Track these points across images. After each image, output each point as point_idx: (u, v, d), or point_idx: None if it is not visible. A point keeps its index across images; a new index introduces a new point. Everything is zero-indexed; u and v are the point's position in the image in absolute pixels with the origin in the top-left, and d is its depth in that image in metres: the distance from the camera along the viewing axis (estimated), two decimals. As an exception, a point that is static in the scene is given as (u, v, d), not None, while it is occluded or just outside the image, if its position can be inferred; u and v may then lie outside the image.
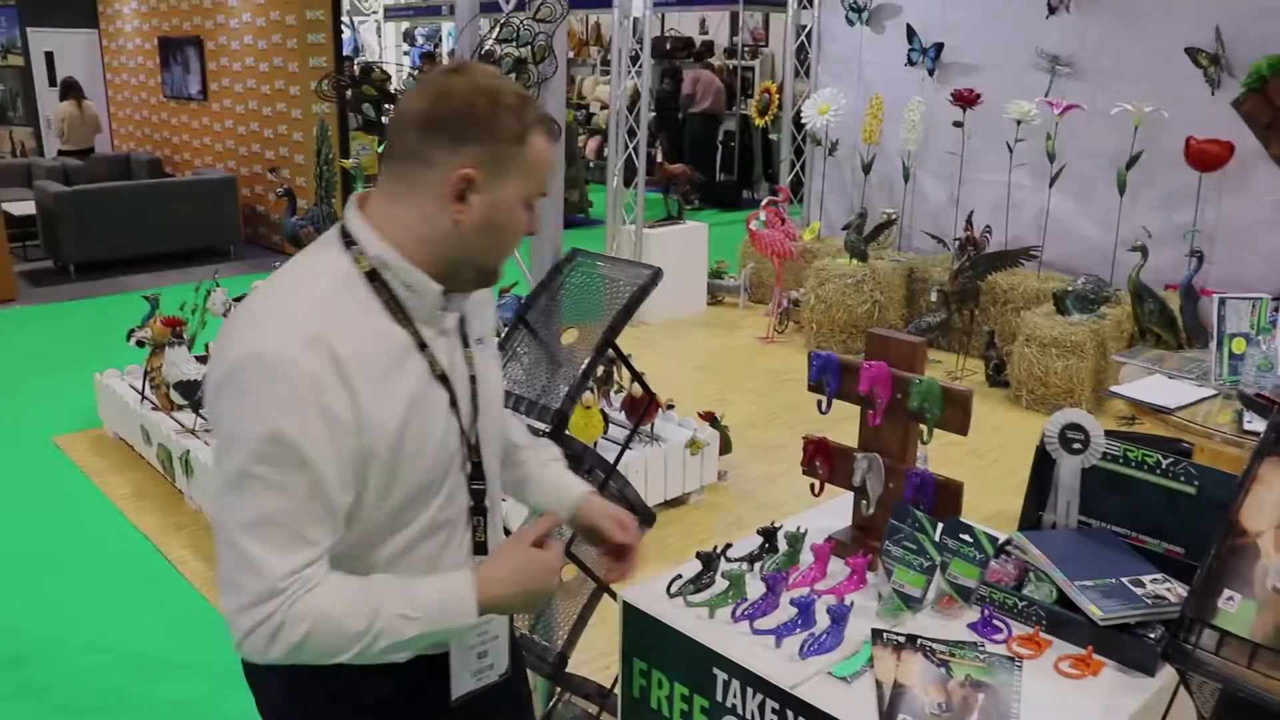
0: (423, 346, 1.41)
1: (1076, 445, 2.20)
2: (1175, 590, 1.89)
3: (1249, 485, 1.39)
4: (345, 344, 1.30)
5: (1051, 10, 6.61)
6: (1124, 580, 1.94)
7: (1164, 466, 2.07)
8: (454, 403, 1.45)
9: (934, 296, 6.57)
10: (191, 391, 4.52)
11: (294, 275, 1.40)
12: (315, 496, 1.30)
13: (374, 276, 1.38)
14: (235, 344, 1.30)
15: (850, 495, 2.33)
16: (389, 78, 2.47)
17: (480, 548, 1.54)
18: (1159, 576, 1.96)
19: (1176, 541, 2.05)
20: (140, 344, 4.78)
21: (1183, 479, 2.04)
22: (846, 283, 6.87)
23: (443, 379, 1.43)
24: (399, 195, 1.38)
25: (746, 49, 13.91)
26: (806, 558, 2.19)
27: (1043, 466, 2.27)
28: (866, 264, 6.94)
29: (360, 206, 1.43)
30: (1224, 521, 1.37)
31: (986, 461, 5.02)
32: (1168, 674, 1.74)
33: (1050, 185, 6.55)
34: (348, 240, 1.40)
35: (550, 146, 1.41)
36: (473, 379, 1.50)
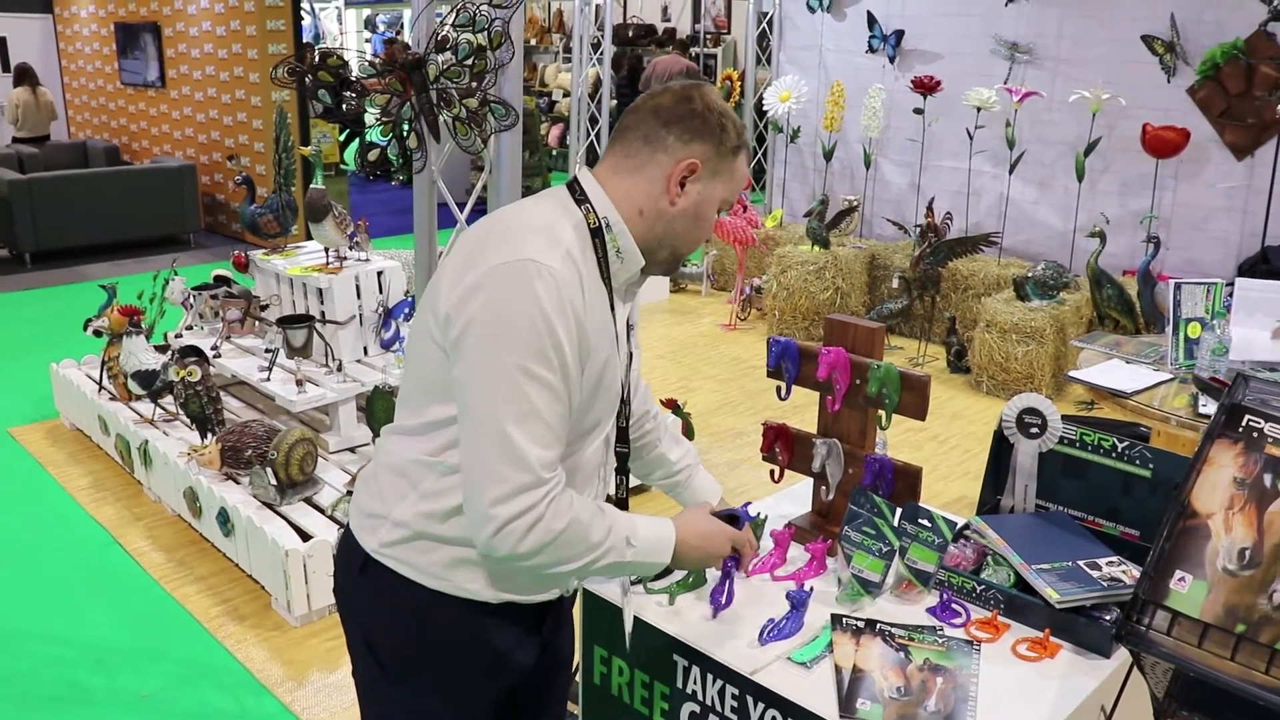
0: (612, 306, 1.59)
1: (1034, 429, 2.21)
2: (1130, 573, 1.91)
3: (1200, 467, 1.39)
4: (588, 271, 1.50)
5: (1010, -2, 6.64)
6: (1080, 563, 1.95)
7: (1119, 450, 2.08)
8: (627, 357, 1.69)
9: (895, 283, 6.59)
10: (150, 381, 4.45)
11: (536, 210, 1.56)
12: (566, 396, 1.46)
13: (597, 233, 1.56)
14: (495, 253, 1.44)
15: (810, 481, 2.33)
16: (346, 64, 2.42)
17: (622, 505, 1.73)
18: (1115, 559, 1.97)
19: (1132, 524, 2.07)
20: (98, 333, 4.70)
21: (1138, 462, 2.06)
22: (808, 270, 6.88)
23: (621, 338, 1.64)
24: (628, 171, 1.58)
25: (709, 36, 13.88)
26: (766, 544, 2.18)
27: (1000, 451, 2.28)
28: (828, 251, 6.95)
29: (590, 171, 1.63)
30: (1175, 503, 1.38)
31: (948, 447, 5.05)
32: (1123, 655, 1.75)
33: (1010, 172, 6.59)
34: (578, 197, 1.59)
35: (746, 169, 1.66)
36: (630, 355, 1.72)
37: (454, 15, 2.54)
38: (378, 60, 2.39)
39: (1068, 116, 6.41)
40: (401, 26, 16.59)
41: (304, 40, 9.84)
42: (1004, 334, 5.75)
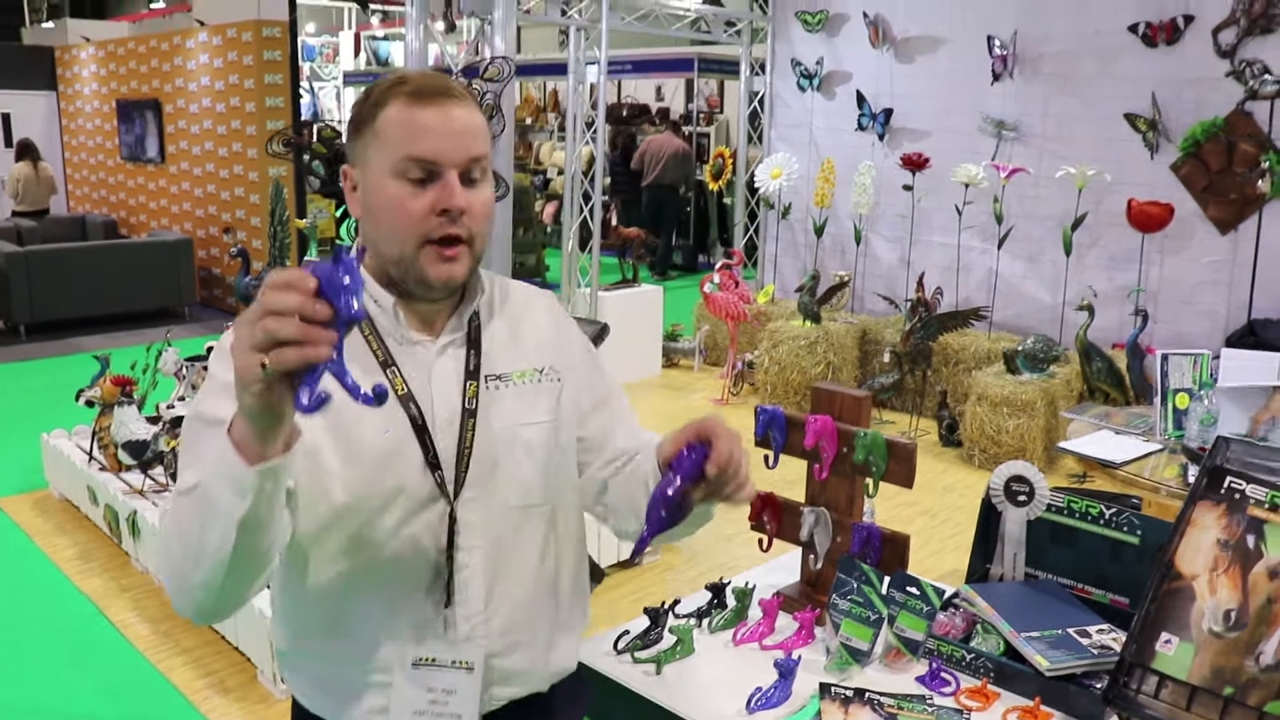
0: (386, 365, 1.39)
1: (1021, 497, 2.21)
2: (1120, 640, 1.90)
3: (1183, 529, 1.40)
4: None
5: (995, 77, 6.78)
6: (1070, 631, 1.94)
7: (1107, 517, 2.09)
8: (421, 429, 1.39)
9: (887, 357, 6.62)
10: (140, 451, 4.44)
11: None
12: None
13: None
14: None
15: (799, 550, 2.32)
16: (339, 135, 2.45)
17: (448, 595, 1.42)
18: (1105, 626, 1.96)
19: (1121, 591, 2.06)
20: (90, 404, 4.69)
21: (1125, 529, 2.06)
22: (800, 344, 6.92)
23: (407, 399, 1.39)
24: None
25: (702, 115, 14.12)
26: (755, 613, 2.17)
27: (989, 519, 2.28)
28: (820, 326, 6.99)
29: None
30: (1160, 564, 1.38)
31: (939, 521, 5.03)
32: (1113, 724, 1.74)
33: (999, 247, 6.66)
34: None
35: (412, 108, 1.32)
36: (469, 413, 1.41)
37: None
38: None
39: (1054, 192, 6.50)
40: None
41: (302, 118, 9.99)
42: (995, 407, 5.77)
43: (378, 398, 1.02)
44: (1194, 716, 1.26)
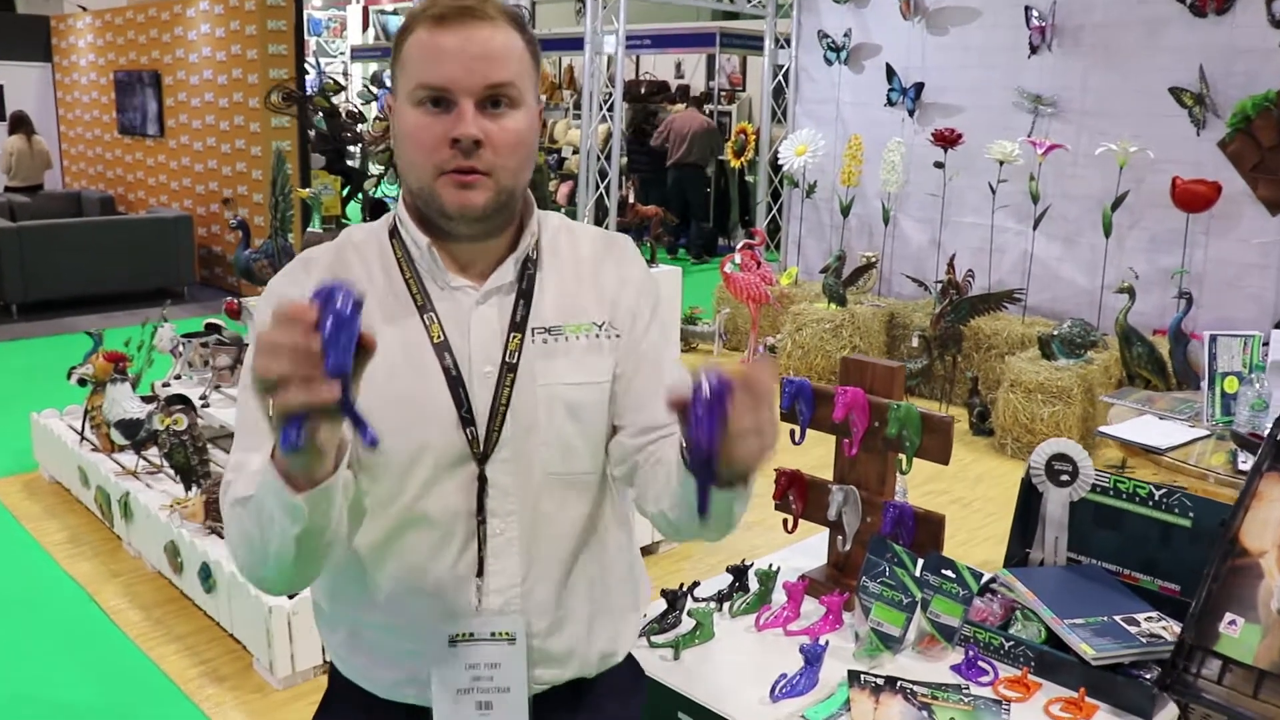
0: (424, 310, 1.36)
1: (1064, 477, 2.15)
2: (1171, 629, 1.83)
3: (1248, 502, 1.33)
4: (367, 275, 1.37)
5: (1033, 49, 6.68)
6: (1117, 618, 1.88)
7: (1157, 498, 2.02)
8: (456, 381, 1.34)
9: (915, 342, 6.55)
10: (134, 430, 4.41)
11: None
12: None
13: (394, 234, 1.40)
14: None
15: (825, 532, 2.27)
16: (343, 88, 2.40)
17: (480, 565, 1.37)
18: (1154, 614, 1.90)
19: (1172, 578, 2.00)
20: (82, 382, 4.66)
21: (1177, 511, 2.00)
22: (824, 328, 6.85)
23: (442, 348, 1.35)
24: None
25: (723, 93, 14.02)
26: (779, 597, 2.12)
27: (1029, 500, 2.22)
28: (845, 308, 6.92)
29: None
30: (1223, 540, 1.32)
31: (970, 511, 4.96)
32: (1167, 716, 1.67)
33: (1034, 227, 6.58)
34: None
35: (433, 32, 1.28)
36: (510, 368, 1.35)
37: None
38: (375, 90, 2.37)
39: (1094, 170, 6.40)
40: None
41: (307, 93, 9.94)
42: (1029, 394, 5.69)
43: (372, 443, 1.01)
44: (1261, 703, 1.20)
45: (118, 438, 4.50)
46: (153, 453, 4.50)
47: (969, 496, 5.14)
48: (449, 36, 1.28)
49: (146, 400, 4.78)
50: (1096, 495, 2.11)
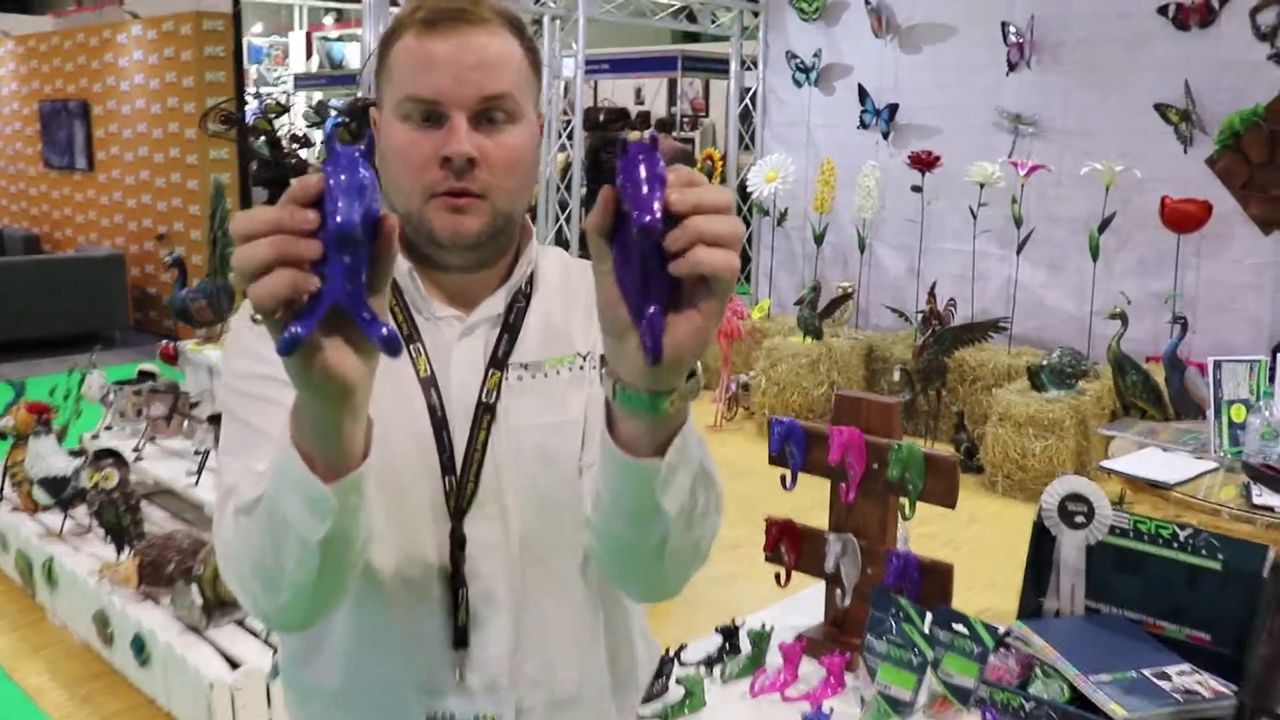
0: (410, 340, 1.27)
1: (1079, 519, 2.08)
2: (1208, 683, 1.76)
3: (1306, 546, 1.26)
4: None
5: (1011, 67, 6.72)
6: (1146, 673, 1.81)
7: (1181, 539, 1.95)
8: (440, 423, 1.25)
9: (896, 376, 6.51)
10: (59, 488, 4.26)
11: None
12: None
13: None
14: None
15: (822, 585, 2.18)
16: (287, 109, 2.34)
17: (461, 635, 1.26)
18: (1185, 667, 1.83)
19: (1201, 626, 1.93)
20: (1, 435, 4.51)
21: (1204, 552, 1.93)
22: (800, 363, 6.80)
23: (428, 383, 1.26)
24: None
25: (686, 119, 14.05)
26: (774, 660, 2.03)
27: (1041, 545, 2.15)
28: (822, 342, 6.88)
29: None
30: (1276, 589, 1.24)
31: (963, 554, 4.89)
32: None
33: (1018, 252, 6.57)
34: None
35: (421, 38, 1.21)
36: (486, 408, 1.26)
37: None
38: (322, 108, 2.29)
39: (1078, 191, 6.42)
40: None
41: (248, 122, 9.84)
42: (1019, 428, 5.66)
43: (387, 344, 0.85)
44: (1332, 774, 1.12)
45: (41, 496, 4.34)
46: (80, 512, 4.35)
47: (960, 539, 5.07)
48: (439, 43, 1.20)
49: (74, 454, 4.63)
50: (1115, 538, 2.04)
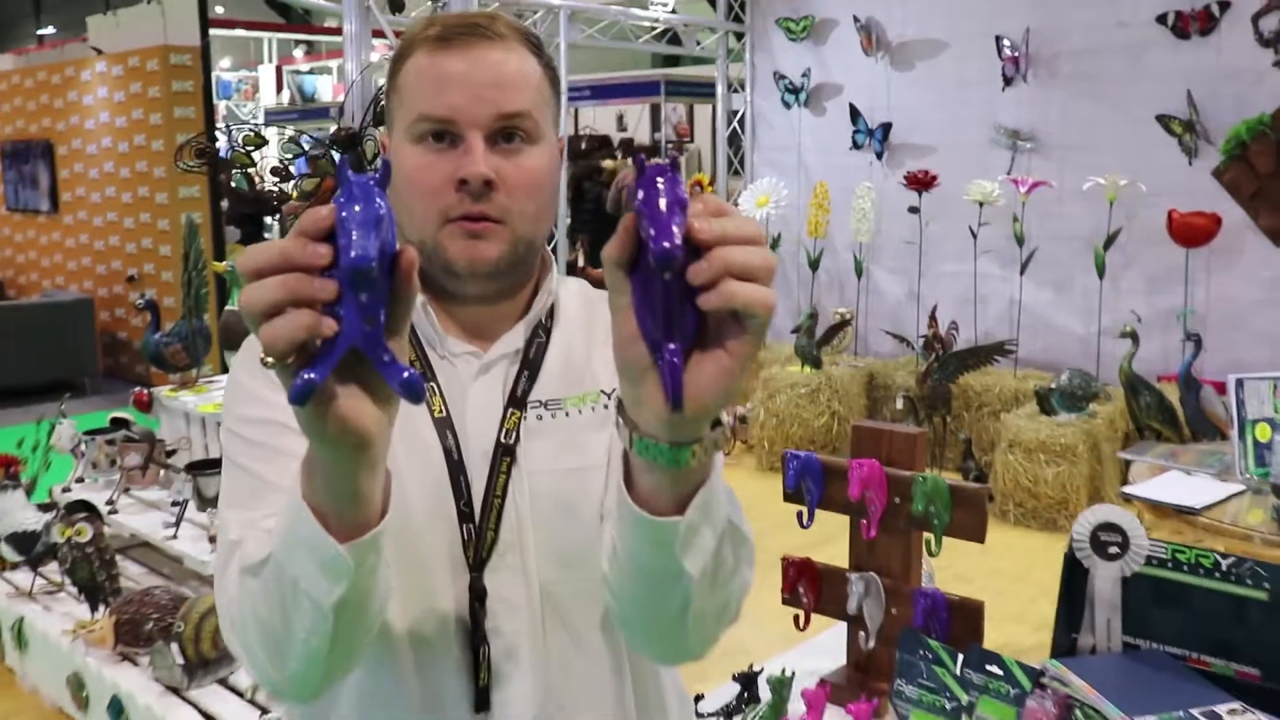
0: (423, 377, 1.21)
1: (1113, 550, 2.03)
2: (1261, 722, 1.71)
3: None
4: None
5: (1007, 82, 6.73)
6: (1195, 712, 1.76)
7: (1224, 568, 1.91)
8: (457, 467, 1.20)
9: (900, 404, 6.47)
10: (29, 545, 4.19)
11: None
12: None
13: None
14: None
15: (843, 627, 2.13)
16: (265, 142, 2.31)
17: (483, 696, 1.20)
18: (1236, 706, 1.78)
19: (1249, 660, 1.88)
20: (-34, 491, 4.44)
21: (1250, 582, 1.88)
22: (799, 393, 6.77)
23: (444, 424, 1.21)
24: None
25: (670, 145, 14.08)
26: (796, 707, 1.98)
27: (1073, 578, 2.09)
28: (821, 371, 6.85)
29: None
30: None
31: (976, 588, 4.79)
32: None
33: (1021, 272, 6.56)
34: None
35: (434, 56, 1.17)
36: (505, 450, 1.21)
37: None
38: (303, 138, 2.26)
39: (1081, 208, 6.41)
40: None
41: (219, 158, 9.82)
42: (1030, 454, 5.62)
43: (409, 388, 0.80)
44: None
45: (9, 553, 4.28)
46: (52, 569, 4.28)
47: (973, 572, 5.01)
48: (453, 60, 1.17)
49: (44, 509, 4.56)
50: (1152, 569, 1.98)
